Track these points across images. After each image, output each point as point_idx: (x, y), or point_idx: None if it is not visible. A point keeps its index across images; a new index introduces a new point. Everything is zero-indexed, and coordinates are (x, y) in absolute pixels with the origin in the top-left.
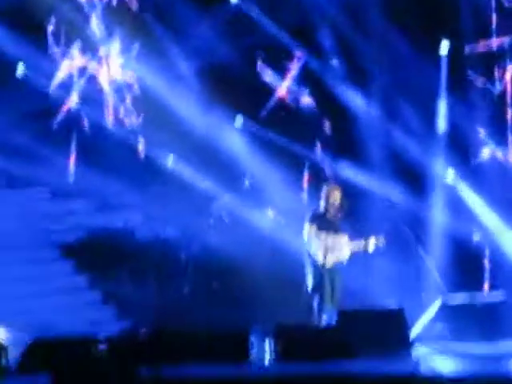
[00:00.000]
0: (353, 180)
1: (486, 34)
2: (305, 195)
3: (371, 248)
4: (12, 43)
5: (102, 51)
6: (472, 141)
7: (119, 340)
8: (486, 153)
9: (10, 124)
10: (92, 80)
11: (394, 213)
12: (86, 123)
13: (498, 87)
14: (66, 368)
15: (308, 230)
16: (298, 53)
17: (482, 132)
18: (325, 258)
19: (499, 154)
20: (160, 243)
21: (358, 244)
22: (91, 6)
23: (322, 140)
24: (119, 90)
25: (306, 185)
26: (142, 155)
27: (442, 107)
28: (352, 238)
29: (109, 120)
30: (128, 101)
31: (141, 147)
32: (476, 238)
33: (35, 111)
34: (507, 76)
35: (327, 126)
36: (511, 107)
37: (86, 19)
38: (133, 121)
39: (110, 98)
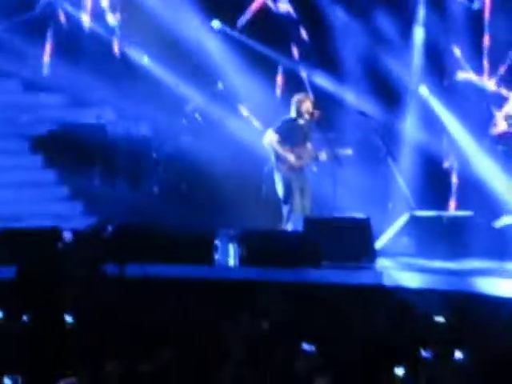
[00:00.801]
0: (327, 89)
1: None
2: (278, 99)
3: (323, 158)
4: None
5: None
6: (447, 60)
7: (85, 235)
8: (460, 75)
9: None
10: None
11: (366, 124)
12: (62, 16)
13: (476, 4)
14: (31, 259)
15: (270, 134)
16: None
17: (457, 53)
18: (291, 163)
19: (473, 77)
20: (132, 141)
21: (323, 153)
22: None
23: (298, 47)
24: None
25: (279, 90)
26: (117, 52)
27: (420, 21)
28: (321, 146)
29: (86, 15)
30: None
31: (116, 44)
32: (446, 156)
33: (11, 2)
34: None
35: (304, 33)
36: (488, 26)
37: None
38: (110, 18)
39: None
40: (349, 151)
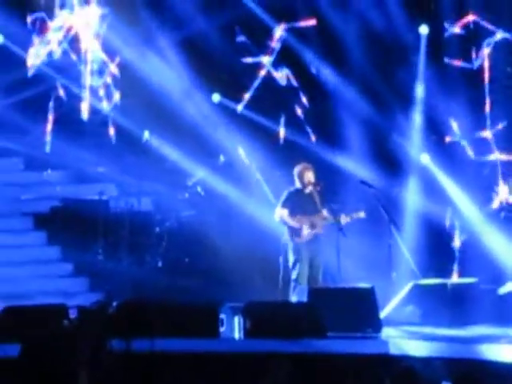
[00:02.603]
0: (329, 160)
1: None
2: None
3: (344, 220)
4: None
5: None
6: (447, 128)
7: (90, 311)
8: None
9: None
10: (71, 50)
11: (369, 193)
12: (62, 92)
13: (475, 66)
14: (36, 337)
15: (279, 210)
16: (278, 29)
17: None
18: (302, 233)
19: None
20: (134, 216)
21: (333, 217)
22: None
23: (297, 119)
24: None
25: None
26: (113, 133)
27: (420, 91)
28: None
29: (86, 92)
30: (108, 77)
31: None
32: (449, 223)
33: (12, 81)
34: (484, 54)
35: (304, 104)
36: (489, 95)
37: None
38: (112, 98)
39: (88, 70)
40: (362, 214)
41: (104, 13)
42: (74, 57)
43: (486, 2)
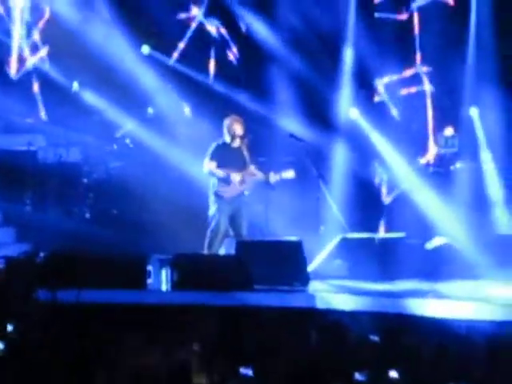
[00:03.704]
0: (258, 113)
1: None
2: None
3: (273, 179)
4: None
5: None
6: (376, 76)
7: (18, 262)
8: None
9: None
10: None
11: (297, 147)
12: None
13: (403, 16)
14: None
15: (208, 162)
16: None
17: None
18: (231, 185)
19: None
20: (62, 167)
21: (262, 175)
22: None
23: (226, 70)
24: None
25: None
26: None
27: (350, 40)
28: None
29: (15, 42)
30: (40, 25)
31: (47, 68)
32: (377, 177)
33: None
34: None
35: (233, 56)
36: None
37: None
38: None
39: (17, 20)
40: (291, 173)
41: None
42: (1, 10)
43: None
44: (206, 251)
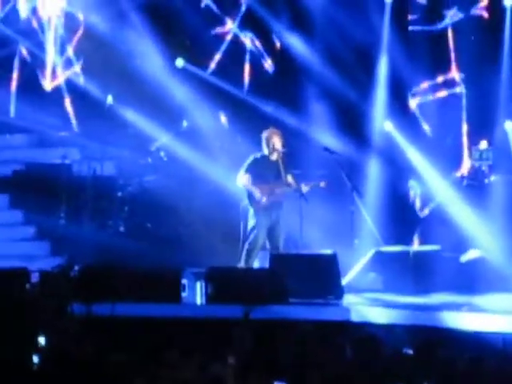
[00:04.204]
0: (292, 125)
1: None
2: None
3: (305, 189)
4: None
5: None
6: (411, 90)
7: (52, 275)
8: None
9: None
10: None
11: (331, 160)
12: (28, 58)
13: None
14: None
15: (242, 176)
16: None
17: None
18: (263, 200)
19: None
20: (97, 180)
21: (296, 184)
22: None
23: (261, 82)
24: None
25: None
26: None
27: (384, 55)
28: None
29: (50, 56)
30: (74, 40)
31: (82, 82)
32: (412, 190)
33: None
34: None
35: (269, 68)
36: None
37: None
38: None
39: (51, 34)
40: (322, 184)
41: None
42: (35, 24)
43: None
44: (242, 264)
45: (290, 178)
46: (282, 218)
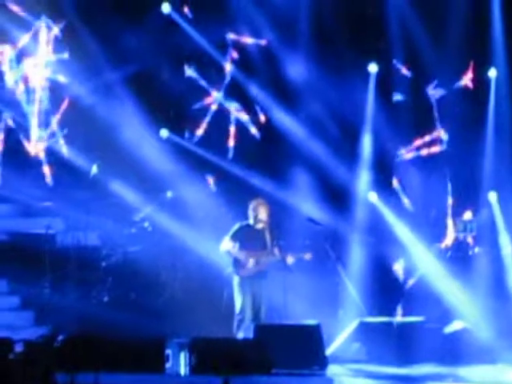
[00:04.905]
0: (276, 196)
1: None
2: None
3: (290, 261)
4: None
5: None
6: (395, 163)
7: (36, 345)
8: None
9: None
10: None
11: (316, 231)
12: (12, 126)
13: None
14: None
15: (227, 242)
16: (227, 65)
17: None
18: (249, 263)
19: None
20: (81, 250)
21: (280, 256)
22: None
23: (248, 154)
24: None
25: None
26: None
27: (368, 128)
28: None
29: (35, 126)
30: (59, 112)
31: (65, 152)
32: (396, 261)
33: None
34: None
35: (253, 138)
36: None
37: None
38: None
39: (37, 104)
40: (308, 256)
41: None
42: (20, 93)
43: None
44: (236, 335)
45: (275, 249)
46: (266, 288)
